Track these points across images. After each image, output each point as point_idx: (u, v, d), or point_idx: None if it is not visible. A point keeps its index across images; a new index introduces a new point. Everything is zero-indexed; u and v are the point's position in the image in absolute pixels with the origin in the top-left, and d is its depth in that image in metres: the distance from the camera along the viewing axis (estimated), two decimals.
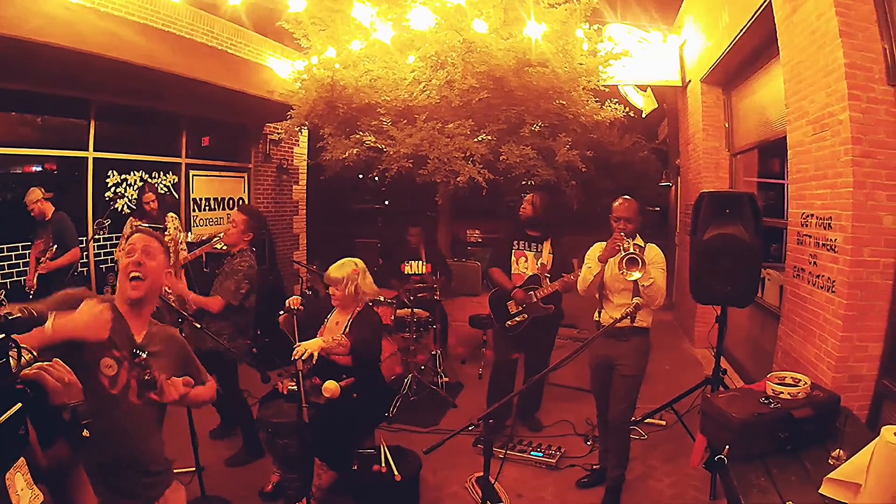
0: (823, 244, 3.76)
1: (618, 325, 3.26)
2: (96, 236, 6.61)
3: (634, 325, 3.64)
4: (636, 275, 3.47)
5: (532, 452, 4.44)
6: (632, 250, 3.54)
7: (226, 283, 4.28)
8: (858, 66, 3.42)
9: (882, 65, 3.41)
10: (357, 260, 3.85)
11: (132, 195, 7.29)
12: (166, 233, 5.48)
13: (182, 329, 3.59)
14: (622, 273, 3.51)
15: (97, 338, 1.95)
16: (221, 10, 7.68)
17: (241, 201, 9.25)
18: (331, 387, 3.38)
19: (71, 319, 1.85)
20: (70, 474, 1.22)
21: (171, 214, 5.62)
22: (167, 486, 2.29)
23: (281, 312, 3.72)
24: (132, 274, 2.20)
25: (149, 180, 7.58)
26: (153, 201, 6.14)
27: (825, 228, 3.75)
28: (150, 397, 2.16)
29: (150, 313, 2.31)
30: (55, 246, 5.47)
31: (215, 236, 4.94)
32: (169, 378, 2.20)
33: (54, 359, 1.26)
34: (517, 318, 4.81)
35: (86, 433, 1.20)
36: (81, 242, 5.95)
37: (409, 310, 5.76)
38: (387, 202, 12.89)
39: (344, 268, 3.75)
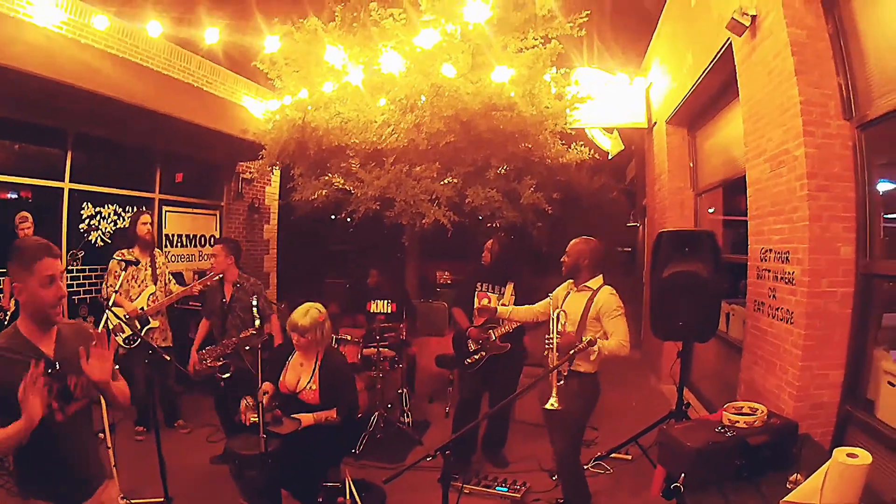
0: (782, 277, 3.83)
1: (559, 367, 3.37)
2: (69, 267, 6.52)
3: (572, 368, 3.66)
4: None
5: (497, 487, 4.38)
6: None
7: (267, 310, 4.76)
8: (814, 102, 3.52)
9: (837, 100, 3.51)
10: (318, 305, 3.87)
11: (106, 228, 7.18)
12: (157, 267, 5.60)
13: None
14: None
15: None
16: (198, 48, 7.73)
17: (212, 238, 9.19)
18: None
19: None
20: None
21: (157, 250, 5.74)
22: (98, 485, 2.31)
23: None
24: None
25: (123, 213, 7.47)
26: (149, 223, 5.70)
27: (783, 262, 3.81)
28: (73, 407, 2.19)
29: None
30: None
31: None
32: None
33: None
34: (475, 356, 4.88)
35: None
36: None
37: (375, 349, 5.73)
38: (350, 244, 12.76)
39: (309, 315, 3.76)
